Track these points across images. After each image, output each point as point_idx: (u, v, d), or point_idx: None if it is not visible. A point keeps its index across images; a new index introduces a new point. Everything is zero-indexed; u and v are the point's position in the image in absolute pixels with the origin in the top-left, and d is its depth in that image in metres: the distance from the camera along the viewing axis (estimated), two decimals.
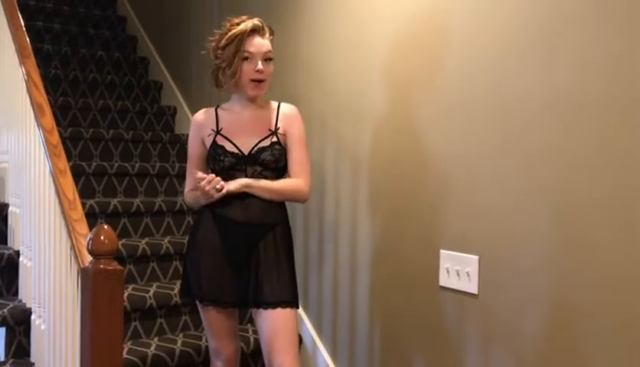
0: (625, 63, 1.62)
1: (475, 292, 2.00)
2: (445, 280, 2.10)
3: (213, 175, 1.92)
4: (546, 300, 1.80)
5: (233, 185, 1.94)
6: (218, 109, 2.07)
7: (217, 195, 1.90)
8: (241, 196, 1.96)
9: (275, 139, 1.99)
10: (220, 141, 1.99)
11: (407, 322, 2.25)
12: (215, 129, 2.01)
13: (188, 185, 2.11)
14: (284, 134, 2.02)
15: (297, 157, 2.00)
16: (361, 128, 2.46)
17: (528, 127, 1.85)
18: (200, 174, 1.90)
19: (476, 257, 1.99)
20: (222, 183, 1.90)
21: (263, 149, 1.97)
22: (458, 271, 2.05)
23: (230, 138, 1.99)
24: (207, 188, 1.88)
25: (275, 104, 2.07)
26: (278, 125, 2.02)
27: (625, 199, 1.62)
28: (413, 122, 2.24)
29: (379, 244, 2.39)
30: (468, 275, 2.02)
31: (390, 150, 2.33)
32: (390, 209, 2.34)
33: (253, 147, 1.98)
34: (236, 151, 1.97)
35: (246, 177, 1.96)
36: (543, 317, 1.81)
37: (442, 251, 2.11)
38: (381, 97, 2.38)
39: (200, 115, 2.08)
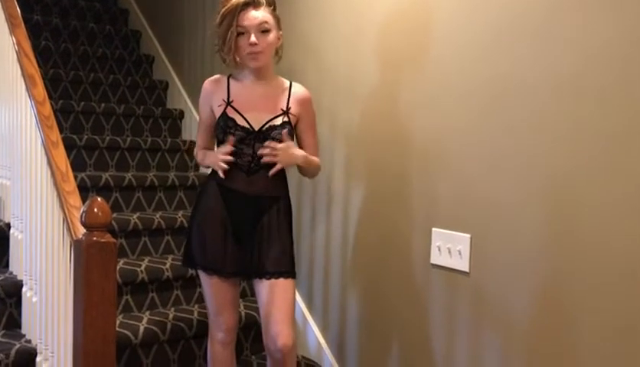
0: (623, 50, 1.62)
1: (467, 270, 2.01)
2: (436, 258, 2.12)
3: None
4: (536, 280, 1.82)
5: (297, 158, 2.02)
6: (230, 78, 2.06)
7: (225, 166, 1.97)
8: (247, 171, 1.99)
9: (286, 119, 2.01)
10: (231, 113, 1.99)
11: (398, 299, 2.27)
12: (226, 100, 2.01)
13: (198, 143, 2.14)
14: (295, 116, 2.04)
15: (312, 142, 2.11)
16: (355, 104, 2.45)
17: (523, 110, 1.85)
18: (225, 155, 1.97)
19: (468, 235, 2.01)
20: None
21: (274, 127, 1.98)
22: (450, 249, 2.07)
23: (241, 112, 1.99)
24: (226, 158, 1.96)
25: (286, 82, 2.08)
26: (289, 106, 2.03)
27: (618, 184, 1.63)
28: (407, 101, 2.23)
29: (371, 221, 2.39)
30: (460, 253, 2.03)
31: (384, 127, 2.33)
32: (382, 185, 2.34)
33: (264, 125, 1.98)
34: (247, 125, 1.98)
35: (253, 152, 1.98)
36: (534, 297, 1.83)
37: (433, 229, 2.12)
38: (376, 74, 2.36)
39: (211, 83, 2.07)
